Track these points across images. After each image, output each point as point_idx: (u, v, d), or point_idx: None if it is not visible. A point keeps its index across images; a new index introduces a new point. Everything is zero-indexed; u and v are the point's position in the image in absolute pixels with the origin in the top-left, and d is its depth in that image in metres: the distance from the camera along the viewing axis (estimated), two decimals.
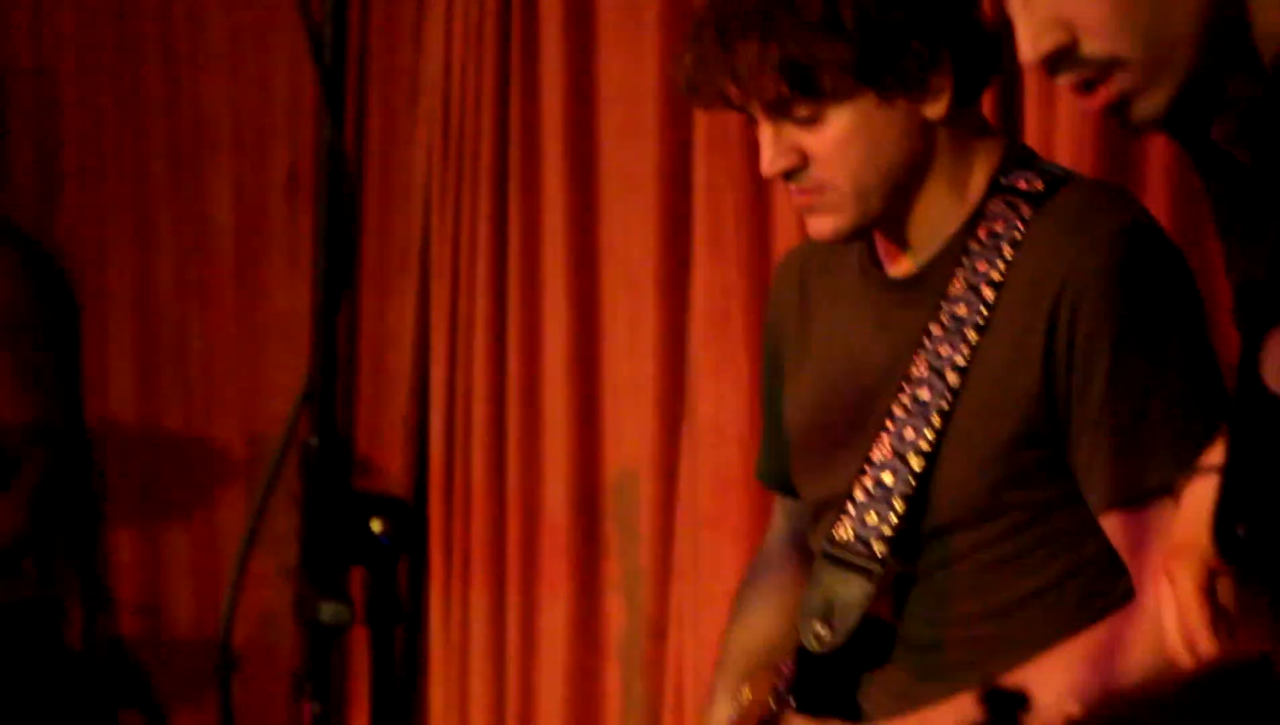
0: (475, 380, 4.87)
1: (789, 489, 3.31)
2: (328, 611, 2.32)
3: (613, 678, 4.65)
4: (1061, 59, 2.27)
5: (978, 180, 3.08)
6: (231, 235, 5.49)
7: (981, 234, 3.03)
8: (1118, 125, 2.36)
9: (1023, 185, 3.06)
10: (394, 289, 5.05)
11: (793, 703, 3.13)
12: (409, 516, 2.46)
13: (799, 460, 3.24)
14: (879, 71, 3.06)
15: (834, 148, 3.06)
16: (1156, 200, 3.74)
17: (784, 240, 4.25)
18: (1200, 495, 2.42)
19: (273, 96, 5.45)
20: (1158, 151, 3.78)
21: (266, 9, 5.44)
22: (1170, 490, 2.61)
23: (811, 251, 3.34)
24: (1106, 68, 2.27)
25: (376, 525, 2.35)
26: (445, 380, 4.96)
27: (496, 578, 4.79)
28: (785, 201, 4.23)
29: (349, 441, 2.40)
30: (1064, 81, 2.31)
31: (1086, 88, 2.29)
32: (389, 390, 5.10)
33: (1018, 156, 3.10)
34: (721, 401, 4.34)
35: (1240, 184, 2.45)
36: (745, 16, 2.80)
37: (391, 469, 4.98)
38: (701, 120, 4.41)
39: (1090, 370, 2.95)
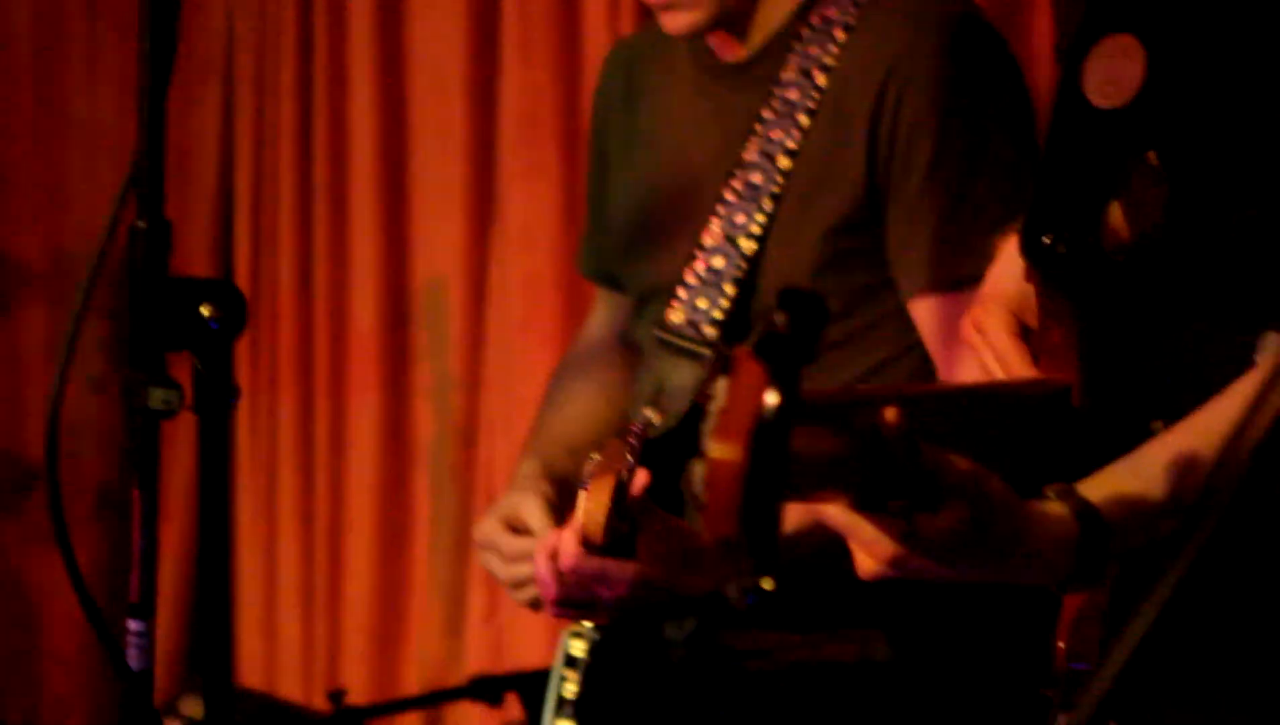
0: (281, 187, 4.82)
1: (612, 282, 3.33)
2: (157, 397, 2.31)
3: (421, 484, 4.67)
4: None
5: None
6: (28, 42, 5.29)
7: (814, 19, 3.04)
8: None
9: None
10: (196, 97, 4.93)
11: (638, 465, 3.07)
12: (240, 301, 2.36)
13: (627, 249, 3.26)
14: None
15: None
16: None
17: (594, 44, 4.26)
18: (1009, 253, 2.43)
19: None
20: None
21: None
22: (972, 281, 2.65)
23: (640, 41, 3.37)
24: None
25: (206, 310, 2.33)
26: (250, 188, 4.91)
27: (304, 387, 4.79)
28: (595, 4, 4.30)
29: (171, 226, 2.35)
30: None
31: None
32: (193, 199, 4.97)
33: None
34: (532, 206, 4.36)
35: None
36: None
37: (196, 271, 4.68)
38: None
39: (911, 158, 2.97)
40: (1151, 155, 2.26)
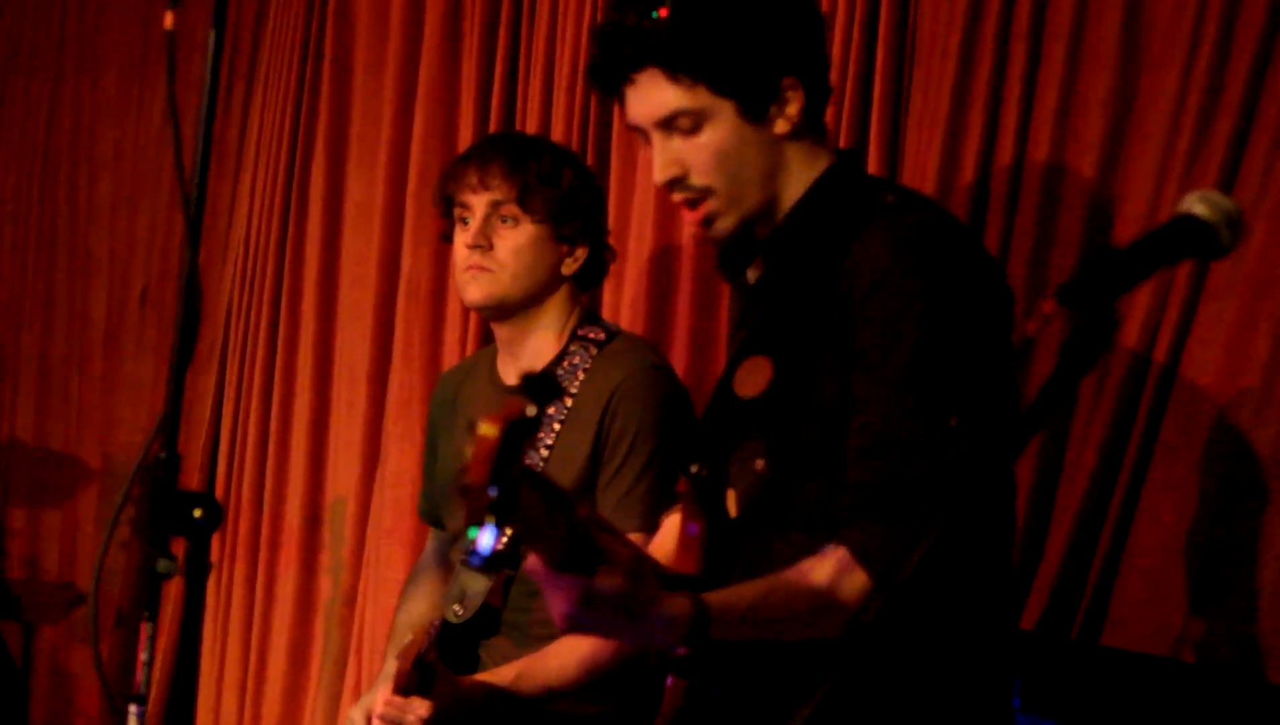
0: (250, 428, 5.43)
1: (437, 523, 3.94)
2: (163, 565, 2.62)
3: (320, 629, 5.24)
4: (676, 184, 2.74)
5: (568, 326, 3.72)
6: (103, 325, 6.11)
7: (565, 363, 3.66)
8: (701, 231, 2.79)
9: (591, 335, 3.72)
10: (202, 369, 5.54)
11: (436, 646, 3.54)
12: (218, 510, 2.63)
13: (444, 502, 3.85)
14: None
15: None
16: None
17: (450, 355, 4.82)
18: (668, 526, 2.97)
19: (136, 235, 6.05)
20: None
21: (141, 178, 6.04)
22: (650, 528, 3.27)
23: (459, 369, 4.01)
24: (701, 194, 2.74)
25: (197, 512, 2.64)
26: (230, 429, 5.54)
27: (251, 562, 5.36)
28: (452, 331, 4.81)
29: (179, 458, 2.70)
30: (677, 198, 2.76)
31: (691, 205, 2.75)
32: (194, 433, 5.54)
33: (587, 315, 3.75)
34: (402, 458, 4.88)
35: (750, 306, 2.85)
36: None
37: (191, 485, 5.35)
38: (406, 261, 4.88)
39: (615, 449, 3.54)
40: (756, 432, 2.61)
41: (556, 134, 4.55)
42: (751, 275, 2.80)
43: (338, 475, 5.20)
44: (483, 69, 4.91)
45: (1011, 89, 3.82)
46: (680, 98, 2.67)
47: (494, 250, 3.63)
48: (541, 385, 2.07)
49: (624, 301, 4.43)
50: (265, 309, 5.43)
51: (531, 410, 2.03)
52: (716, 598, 2.36)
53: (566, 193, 3.67)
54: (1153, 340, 3.46)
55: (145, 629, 2.69)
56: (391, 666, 3.45)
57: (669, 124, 2.69)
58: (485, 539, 2.02)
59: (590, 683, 3.42)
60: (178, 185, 5.48)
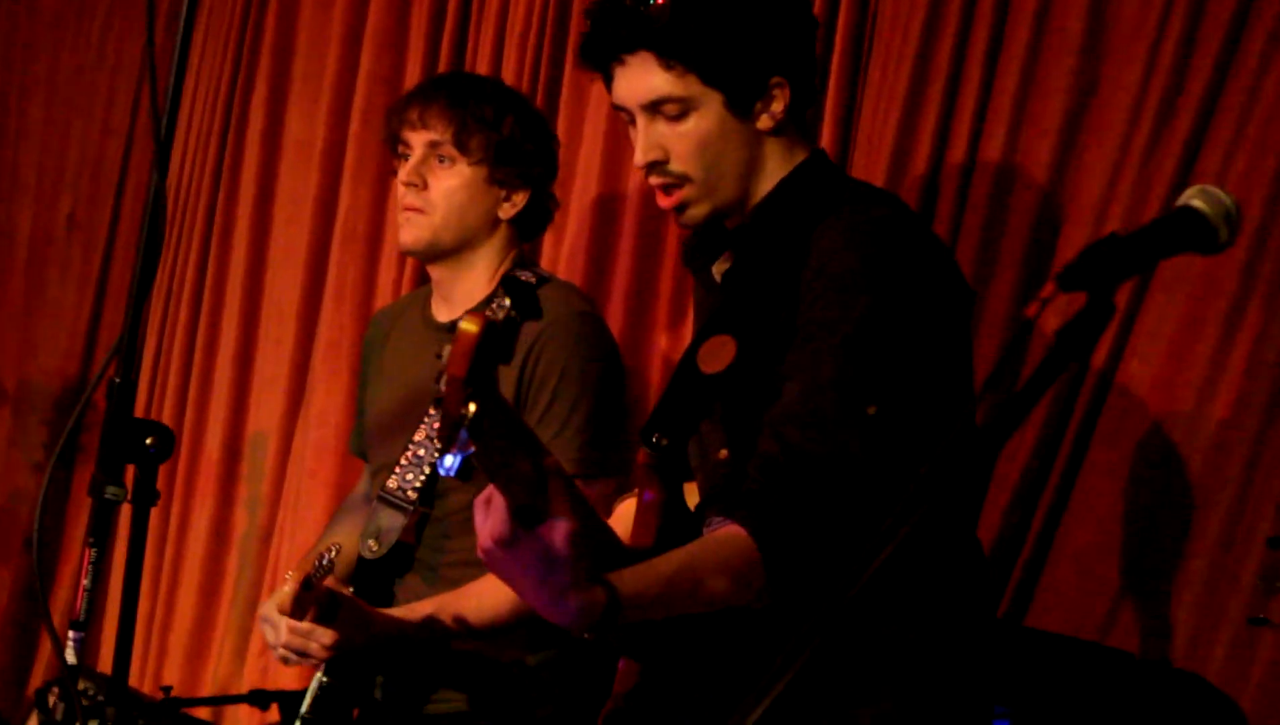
0: (173, 359, 5.48)
1: (366, 458, 3.92)
2: (111, 491, 2.67)
3: (233, 564, 5.27)
4: (655, 167, 2.76)
5: (500, 270, 3.71)
6: (26, 248, 5.98)
7: (493, 305, 3.56)
8: (675, 217, 2.81)
9: (523, 277, 3.70)
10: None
11: (352, 581, 3.59)
12: (170, 439, 2.72)
13: (372, 438, 3.83)
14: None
15: None
16: None
17: (383, 298, 4.82)
18: (621, 512, 2.95)
19: (67, 158, 5.94)
20: None
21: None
22: (586, 474, 3.34)
23: (392, 307, 4.01)
24: (680, 180, 2.77)
25: (149, 440, 2.73)
26: (153, 358, 5.56)
27: (167, 492, 5.36)
28: (387, 273, 4.85)
29: (134, 385, 2.75)
30: (654, 182, 2.78)
31: (666, 190, 2.77)
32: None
33: (521, 260, 3.75)
34: (328, 397, 4.92)
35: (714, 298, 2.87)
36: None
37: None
38: (344, 202, 4.90)
39: (539, 393, 3.53)
40: (718, 407, 2.64)
41: (507, 81, 4.50)
42: (718, 270, 2.84)
43: (260, 410, 5.23)
44: (434, 12, 4.90)
45: (971, 72, 3.86)
46: (670, 84, 2.71)
47: (428, 190, 3.63)
48: (521, 291, 2.14)
49: (563, 251, 4.47)
50: (196, 242, 5.46)
51: (507, 314, 2.08)
52: (629, 588, 2.36)
53: (507, 137, 3.67)
54: None
55: (89, 554, 2.73)
56: (296, 574, 3.45)
57: (655, 108, 2.73)
58: (461, 436, 2.03)
59: (516, 627, 3.47)
60: (116, 109, 5.67)
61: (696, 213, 2.75)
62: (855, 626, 1.84)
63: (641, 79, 2.72)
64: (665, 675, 2.61)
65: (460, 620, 3.46)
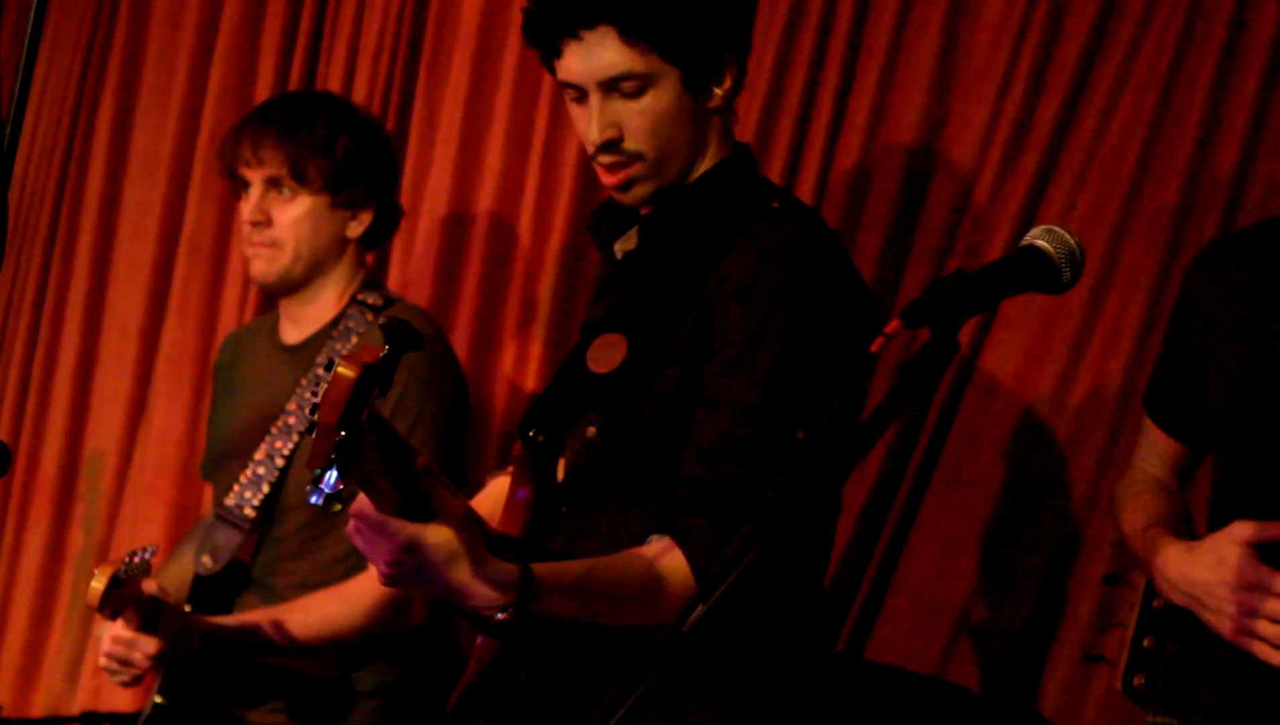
0: (10, 372, 5.31)
1: (210, 478, 3.91)
2: None
3: (67, 584, 5.16)
4: (609, 146, 2.73)
5: (349, 291, 3.74)
6: None
7: (340, 327, 3.69)
8: (617, 194, 2.77)
9: (370, 300, 3.75)
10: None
11: (192, 592, 3.58)
12: (6, 455, 2.57)
13: (219, 459, 3.80)
14: None
15: None
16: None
17: (228, 314, 4.82)
18: (492, 487, 2.96)
19: None
20: None
21: None
22: None
23: (242, 330, 4.01)
24: (632, 158, 2.75)
25: None
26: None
27: (3, 508, 5.27)
28: (232, 289, 4.79)
29: None
30: (604, 161, 2.74)
31: (614, 168, 2.75)
32: None
33: (369, 281, 3.77)
34: (169, 415, 4.83)
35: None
36: None
37: None
38: (190, 216, 4.78)
39: (401, 414, 3.48)
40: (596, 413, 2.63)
41: (358, 100, 4.52)
42: (620, 247, 2.83)
43: (99, 427, 5.14)
44: (286, 29, 4.87)
45: (823, 105, 3.89)
46: (631, 60, 2.69)
47: (273, 224, 3.64)
48: (400, 333, 2.12)
49: (410, 270, 4.49)
50: (37, 253, 5.34)
51: (383, 355, 2.09)
52: (544, 568, 2.39)
53: (342, 160, 3.66)
54: None
55: None
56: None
57: (613, 85, 2.72)
58: (329, 477, 2.05)
59: (333, 647, 3.49)
60: None
61: (641, 191, 2.75)
62: (696, 652, 1.86)
63: (601, 54, 2.70)
64: (536, 680, 2.64)
65: (286, 633, 3.46)
